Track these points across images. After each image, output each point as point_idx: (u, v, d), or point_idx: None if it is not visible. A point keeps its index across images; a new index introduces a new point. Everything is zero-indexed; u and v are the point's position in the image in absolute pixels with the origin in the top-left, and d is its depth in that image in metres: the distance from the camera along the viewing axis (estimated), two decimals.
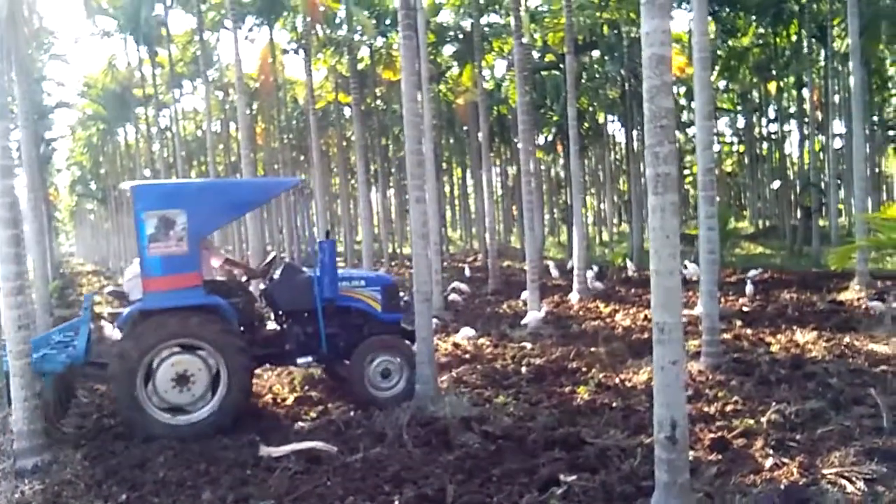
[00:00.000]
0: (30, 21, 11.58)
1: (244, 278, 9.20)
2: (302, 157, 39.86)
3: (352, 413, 7.94)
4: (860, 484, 4.98)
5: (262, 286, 9.05)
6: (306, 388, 9.26)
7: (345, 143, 35.04)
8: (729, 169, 52.46)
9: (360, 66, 25.93)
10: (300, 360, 8.39)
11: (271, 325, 8.87)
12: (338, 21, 24.12)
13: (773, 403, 6.97)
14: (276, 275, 8.75)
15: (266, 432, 7.32)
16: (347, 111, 31.78)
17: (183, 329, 7.48)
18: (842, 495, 4.80)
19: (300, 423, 7.75)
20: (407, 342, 8.60)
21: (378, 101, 32.23)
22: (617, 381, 8.70)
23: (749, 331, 11.14)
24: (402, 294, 9.09)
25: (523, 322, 12.20)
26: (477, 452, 6.27)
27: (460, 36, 25.93)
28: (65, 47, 64.38)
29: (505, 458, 6.11)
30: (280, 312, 8.66)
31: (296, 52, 25.41)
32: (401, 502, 5.21)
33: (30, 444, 6.64)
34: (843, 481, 5.04)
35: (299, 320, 8.37)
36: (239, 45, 16.50)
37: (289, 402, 8.79)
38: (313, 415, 8.12)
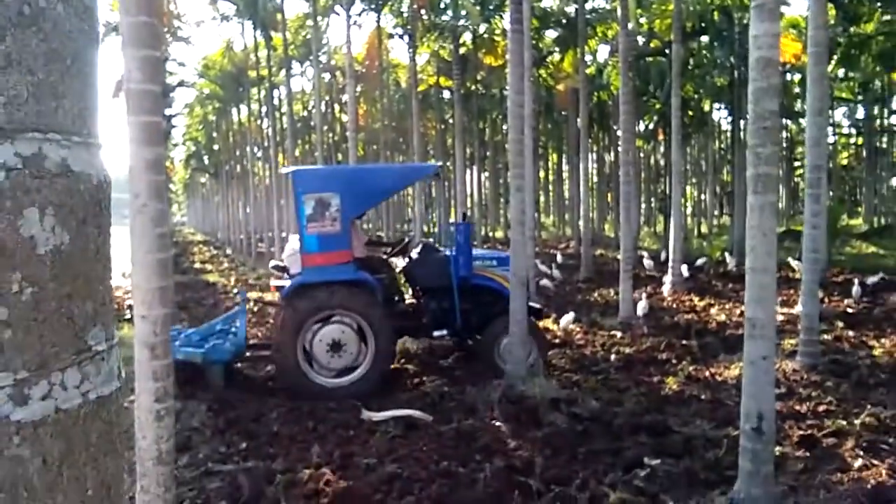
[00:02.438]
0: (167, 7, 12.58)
1: (385, 257, 9.92)
2: (401, 139, 40.77)
3: (445, 388, 8.41)
4: None
5: (400, 264, 9.77)
6: (402, 360, 9.83)
7: (443, 126, 35.61)
8: (845, 162, 49.52)
9: (462, 51, 26.27)
10: (436, 333, 9.14)
11: (409, 300, 9.60)
12: (443, 6, 24.53)
13: (869, 406, 6.88)
14: (415, 254, 9.47)
15: (367, 399, 7.91)
16: (447, 94, 32.26)
17: (338, 301, 8.29)
18: None
19: (396, 393, 8.30)
20: (533, 319, 9.15)
21: (478, 85, 32.50)
22: (707, 374, 8.76)
23: (851, 333, 10.81)
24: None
25: (639, 313, 12.20)
26: (564, 431, 6.58)
27: (563, 21, 25.77)
28: (188, 30, 68.16)
29: (591, 438, 6.40)
30: (418, 288, 9.38)
31: (401, 36, 26.07)
32: (491, 471, 5.58)
33: None
34: None
35: (435, 296, 9.05)
36: (349, 30, 17.25)
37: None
38: (409, 386, 8.67)
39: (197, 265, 31.64)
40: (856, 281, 14.81)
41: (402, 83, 35.83)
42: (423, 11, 23.63)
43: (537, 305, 9.68)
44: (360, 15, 25.06)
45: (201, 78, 34.47)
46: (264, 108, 31.80)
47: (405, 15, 24.79)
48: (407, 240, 10.43)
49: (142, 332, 3.65)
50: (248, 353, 9.12)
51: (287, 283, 8.67)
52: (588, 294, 16.37)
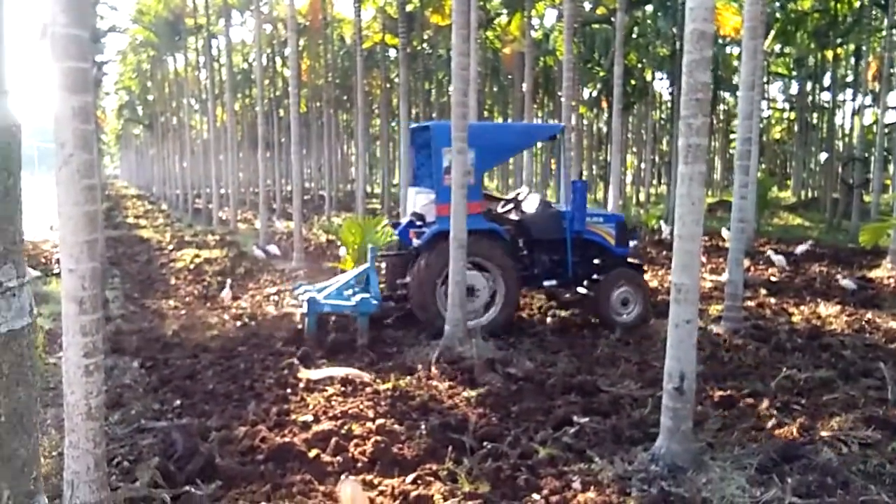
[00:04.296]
0: None
1: (499, 210, 10.37)
2: (345, 97, 40.01)
3: (384, 348, 8.49)
4: (854, 447, 5.30)
5: (513, 217, 10.17)
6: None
7: (388, 86, 35.08)
8: (777, 136, 51.25)
9: (408, 8, 25.78)
10: (546, 283, 9.82)
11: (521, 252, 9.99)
12: None
13: (785, 369, 7.28)
14: (530, 208, 10.06)
15: (304, 358, 7.91)
16: (393, 53, 31.73)
17: (474, 249, 8.73)
18: (834, 455, 5.14)
19: (335, 352, 8.31)
20: (639, 274, 9.98)
21: (424, 45, 32.07)
22: (637, 337, 9.08)
23: (773, 300, 11.35)
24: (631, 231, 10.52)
25: None
26: (498, 391, 6.75)
27: None
28: None
29: (524, 397, 6.59)
30: (531, 241, 9.79)
31: None
32: (427, 428, 5.71)
33: None
34: (839, 443, 5.38)
35: (547, 249, 9.68)
36: None
37: (324, 332, 9.36)
38: (349, 345, 8.68)
39: (130, 220, 30.66)
40: (769, 253, 15.60)
41: (347, 39, 35.04)
42: None
43: (637, 261, 10.37)
44: None
45: (135, 24, 32.89)
46: (202, 59, 30.67)
47: None
48: (520, 195, 10.74)
49: (70, 286, 3.56)
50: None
51: (427, 231, 9.14)
52: None
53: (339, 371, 7.23)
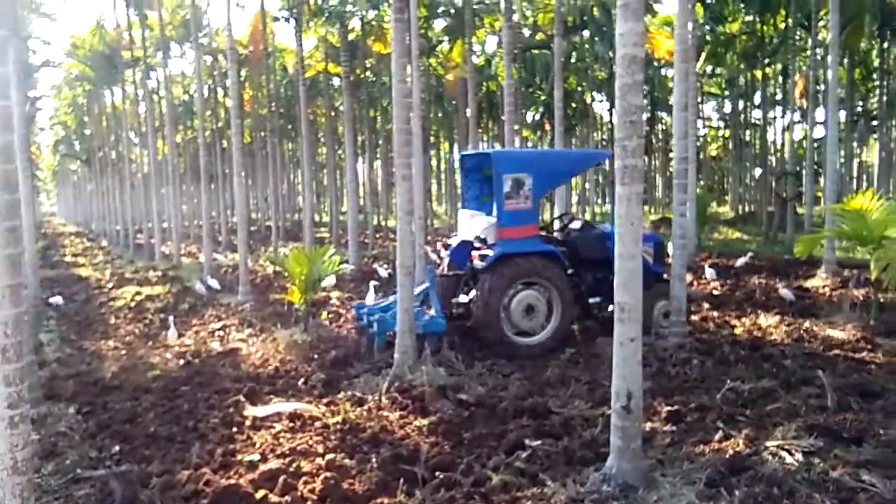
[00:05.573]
0: None
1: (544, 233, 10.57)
2: (290, 126, 39.75)
3: (333, 379, 8.33)
4: (798, 456, 5.41)
5: (559, 238, 10.57)
6: (293, 351, 9.66)
7: (333, 114, 35.00)
8: (714, 153, 52.96)
9: (350, 37, 25.86)
10: (591, 300, 10.23)
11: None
12: None
13: (729, 381, 7.42)
14: (574, 230, 10.58)
15: (251, 395, 7.70)
16: (337, 81, 31.72)
17: (533, 269, 9.32)
18: (779, 465, 5.24)
19: (283, 387, 8.13)
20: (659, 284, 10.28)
21: (367, 73, 32.17)
22: (586, 356, 9.15)
23: (716, 313, 11.62)
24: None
25: None
26: (450, 418, 6.70)
27: (452, 11, 25.93)
28: (52, 5, 63.44)
29: (476, 423, 6.55)
30: (578, 260, 10.10)
31: (286, 20, 25.33)
32: (378, 460, 5.61)
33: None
34: (783, 453, 5.48)
35: (591, 268, 10.06)
36: (231, 11, 16.48)
37: (272, 366, 9.17)
38: (297, 379, 8.51)
39: (68, 258, 29.59)
40: (706, 265, 16.08)
41: (290, 68, 34.88)
42: None
43: (659, 270, 10.62)
44: None
45: (69, 58, 32.07)
46: (141, 92, 30.08)
47: None
48: (566, 216, 11.18)
49: None
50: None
51: (491, 253, 9.37)
52: None
53: (287, 406, 7.07)
